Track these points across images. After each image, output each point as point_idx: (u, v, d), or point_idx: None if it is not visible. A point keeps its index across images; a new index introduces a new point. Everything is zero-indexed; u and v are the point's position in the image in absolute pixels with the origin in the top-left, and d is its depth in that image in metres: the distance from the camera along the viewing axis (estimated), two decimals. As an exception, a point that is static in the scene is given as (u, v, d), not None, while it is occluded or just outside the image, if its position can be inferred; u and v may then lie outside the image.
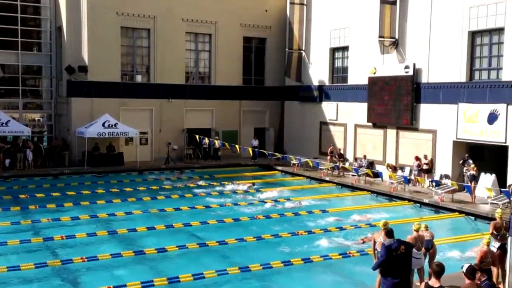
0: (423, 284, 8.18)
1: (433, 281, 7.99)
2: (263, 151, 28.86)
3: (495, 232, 11.97)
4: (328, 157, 28.68)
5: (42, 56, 31.83)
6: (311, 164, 27.18)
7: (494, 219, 12.51)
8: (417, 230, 11.44)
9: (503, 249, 11.71)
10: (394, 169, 25.27)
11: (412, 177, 24.23)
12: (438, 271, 7.98)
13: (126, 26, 30.45)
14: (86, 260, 13.74)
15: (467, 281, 7.95)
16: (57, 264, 13.59)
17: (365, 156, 27.29)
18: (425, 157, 24.03)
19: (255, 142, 32.14)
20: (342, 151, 28.91)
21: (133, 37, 31.07)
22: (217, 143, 30.46)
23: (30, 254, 14.55)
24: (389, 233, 9.71)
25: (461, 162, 22.67)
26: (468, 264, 8.09)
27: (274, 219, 18.71)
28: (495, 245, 11.53)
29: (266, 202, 21.52)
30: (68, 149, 29.41)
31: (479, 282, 8.29)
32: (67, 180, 26.10)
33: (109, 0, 29.54)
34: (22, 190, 23.29)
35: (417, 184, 24.17)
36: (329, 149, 29.00)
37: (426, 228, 11.91)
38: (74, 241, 15.71)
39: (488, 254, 10.77)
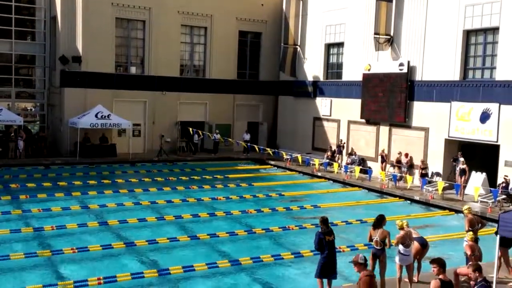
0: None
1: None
2: (255, 146, 28.77)
3: (470, 228, 12.24)
4: (329, 152, 28.57)
5: (35, 45, 31.63)
6: (300, 161, 27.14)
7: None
8: (402, 228, 11.43)
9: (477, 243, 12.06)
10: (384, 158, 25.40)
11: (403, 174, 24.34)
12: (443, 263, 8.45)
13: (121, 17, 30.28)
14: (76, 250, 13.77)
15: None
16: (47, 254, 13.59)
17: (355, 153, 27.35)
18: (406, 155, 24.19)
19: (247, 136, 32.12)
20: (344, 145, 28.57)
21: (128, 29, 30.91)
22: (210, 136, 30.45)
23: (20, 244, 14.51)
24: (324, 221, 10.93)
25: (452, 160, 22.82)
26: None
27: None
28: None
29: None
30: (45, 140, 29.52)
31: (474, 282, 8.36)
32: (58, 170, 26.03)
33: (105, -9, 29.41)
34: (13, 180, 23.20)
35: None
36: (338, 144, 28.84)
37: (407, 225, 11.86)
38: (64, 231, 15.70)
39: (476, 247, 11.07)
